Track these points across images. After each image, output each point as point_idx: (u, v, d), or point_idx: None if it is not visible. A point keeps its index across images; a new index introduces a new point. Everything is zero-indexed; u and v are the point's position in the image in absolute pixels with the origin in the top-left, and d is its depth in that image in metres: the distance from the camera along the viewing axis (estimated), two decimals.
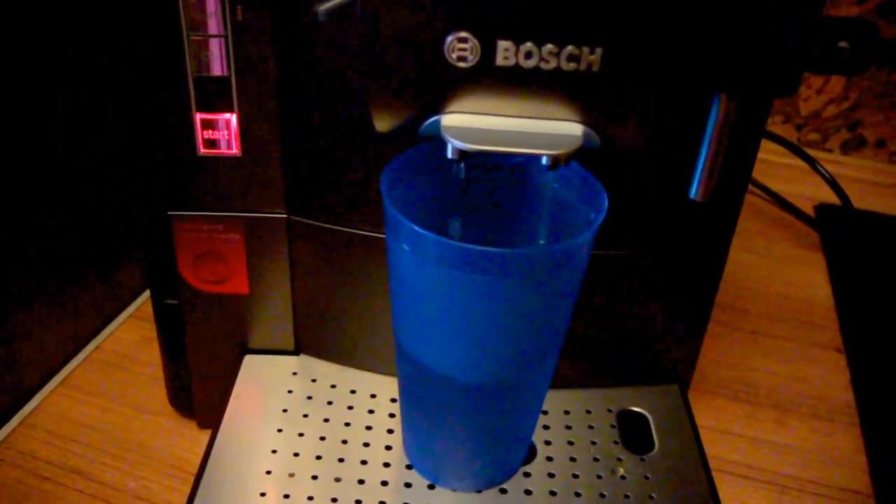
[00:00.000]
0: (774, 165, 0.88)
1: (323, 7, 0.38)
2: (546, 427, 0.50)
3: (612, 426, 0.51)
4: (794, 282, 0.76)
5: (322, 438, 0.49)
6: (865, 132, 0.93)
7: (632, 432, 0.51)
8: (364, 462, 0.47)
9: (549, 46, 0.34)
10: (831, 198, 0.84)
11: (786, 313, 0.72)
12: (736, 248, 0.50)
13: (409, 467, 0.47)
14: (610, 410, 0.52)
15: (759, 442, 0.58)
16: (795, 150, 0.84)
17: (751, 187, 0.81)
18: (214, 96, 0.45)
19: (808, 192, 0.86)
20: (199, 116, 0.45)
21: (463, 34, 0.34)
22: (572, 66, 0.34)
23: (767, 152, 0.85)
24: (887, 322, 0.71)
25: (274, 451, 0.48)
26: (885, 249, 0.81)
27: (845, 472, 0.57)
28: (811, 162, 0.83)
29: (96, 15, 0.57)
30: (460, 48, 0.34)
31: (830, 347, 0.68)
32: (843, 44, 0.39)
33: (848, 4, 0.85)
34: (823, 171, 0.83)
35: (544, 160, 0.36)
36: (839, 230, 0.82)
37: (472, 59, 0.34)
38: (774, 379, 0.64)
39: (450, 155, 0.36)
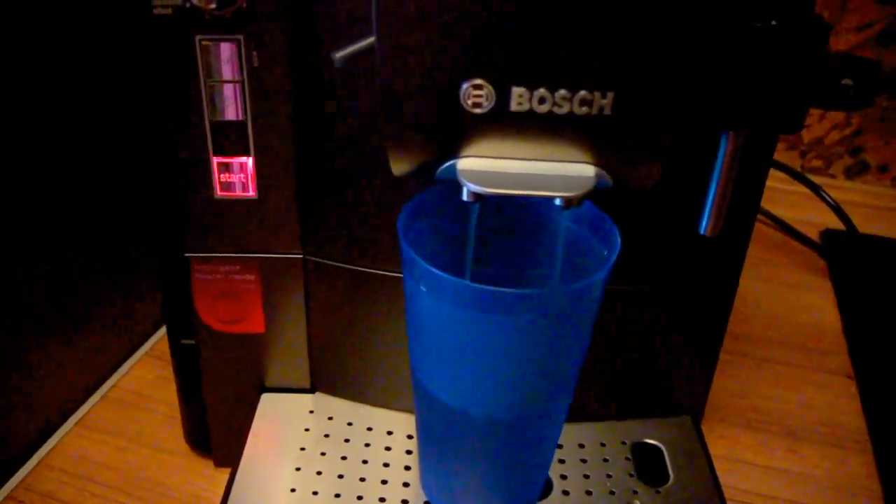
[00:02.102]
0: (779, 192, 0.88)
1: (339, 54, 0.39)
2: (561, 461, 0.51)
3: (627, 459, 0.51)
4: (802, 308, 0.76)
5: (340, 476, 0.49)
6: (868, 157, 0.94)
7: (646, 465, 0.51)
8: (382, 500, 0.48)
9: (562, 92, 0.34)
10: (837, 223, 0.85)
11: (794, 340, 0.72)
12: (743, 276, 0.51)
13: None
14: (624, 443, 0.52)
15: (773, 471, 0.59)
16: (799, 177, 0.85)
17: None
18: (231, 140, 0.46)
19: (814, 217, 0.87)
20: (215, 160, 0.46)
21: (478, 81, 0.34)
22: (585, 110, 0.35)
23: (772, 179, 0.84)
24: (895, 348, 0.71)
25: (293, 490, 0.48)
26: (892, 273, 0.81)
27: (859, 499, 0.57)
28: (815, 188, 0.84)
29: (113, 64, 0.58)
30: (475, 95, 0.35)
31: (840, 373, 0.68)
32: (846, 81, 0.40)
33: (847, 32, 0.86)
34: (827, 197, 0.84)
35: (557, 201, 0.37)
36: (845, 255, 0.83)
37: (487, 105, 0.35)
38: (785, 406, 0.65)
39: (465, 198, 0.37)
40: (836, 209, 0.83)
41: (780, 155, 0.97)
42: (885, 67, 0.88)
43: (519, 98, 0.35)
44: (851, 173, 0.96)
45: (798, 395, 0.66)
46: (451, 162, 0.37)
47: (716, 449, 0.59)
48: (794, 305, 0.77)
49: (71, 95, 0.57)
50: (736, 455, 0.60)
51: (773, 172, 0.85)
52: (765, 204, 0.88)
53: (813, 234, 0.86)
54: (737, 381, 0.67)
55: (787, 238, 0.87)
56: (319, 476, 0.49)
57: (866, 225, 0.86)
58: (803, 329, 0.73)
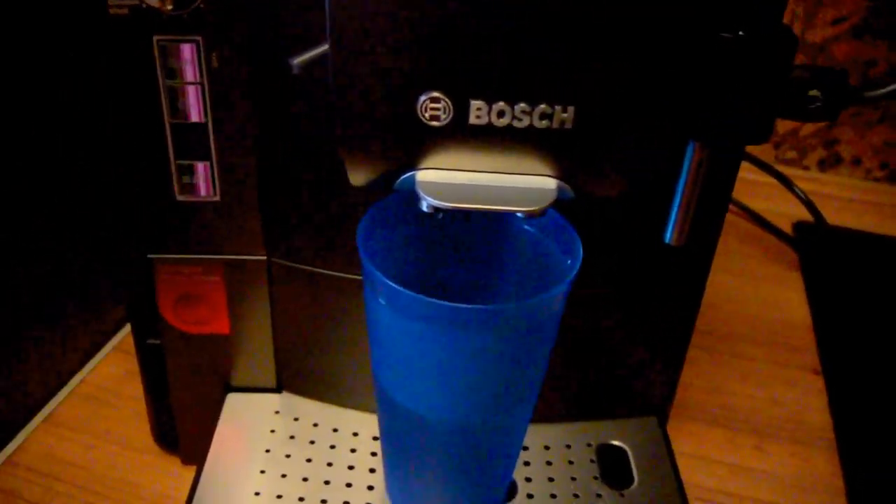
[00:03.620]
0: (752, 184, 0.88)
1: (297, 60, 0.39)
2: (527, 463, 0.51)
3: (592, 461, 0.51)
4: (772, 302, 0.76)
5: (305, 479, 0.49)
6: (842, 150, 0.94)
7: (611, 466, 0.51)
8: (346, 503, 0.48)
9: (522, 105, 0.34)
10: (809, 215, 0.85)
11: (764, 335, 0.72)
12: (713, 269, 0.51)
13: None
14: (589, 445, 0.52)
15: (739, 469, 0.59)
16: (771, 170, 0.85)
17: (729, 205, 0.82)
18: (192, 142, 0.45)
19: (787, 209, 0.87)
20: (176, 162, 0.46)
21: (435, 94, 0.34)
22: (545, 123, 0.34)
23: (745, 170, 0.85)
24: (864, 343, 0.71)
25: (257, 494, 0.48)
26: (863, 267, 0.82)
27: (823, 497, 0.57)
28: (786, 181, 0.84)
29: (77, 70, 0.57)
30: (433, 108, 0.34)
31: (808, 369, 0.69)
32: (813, 92, 0.39)
33: (822, 25, 0.86)
34: (798, 192, 0.84)
35: (519, 213, 0.36)
36: (817, 248, 0.83)
37: (444, 118, 0.34)
38: (753, 403, 0.65)
39: (424, 209, 0.36)
40: (807, 202, 0.83)
41: (756, 146, 0.97)
42: (860, 59, 0.88)
43: (477, 111, 0.34)
44: (825, 165, 0.96)
45: (766, 391, 0.66)
46: (410, 174, 0.36)
47: (682, 446, 0.59)
48: (765, 300, 0.77)
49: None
50: (703, 453, 0.60)
51: (745, 164, 0.85)
52: (738, 195, 0.88)
53: (786, 226, 0.86)
54: (705, 377, 0.67)
55: (759, 230, 0.87)
56: (284, 479, 0.49)
57: (839, 217, 0.86)
58: (772, 324, 0.74)
